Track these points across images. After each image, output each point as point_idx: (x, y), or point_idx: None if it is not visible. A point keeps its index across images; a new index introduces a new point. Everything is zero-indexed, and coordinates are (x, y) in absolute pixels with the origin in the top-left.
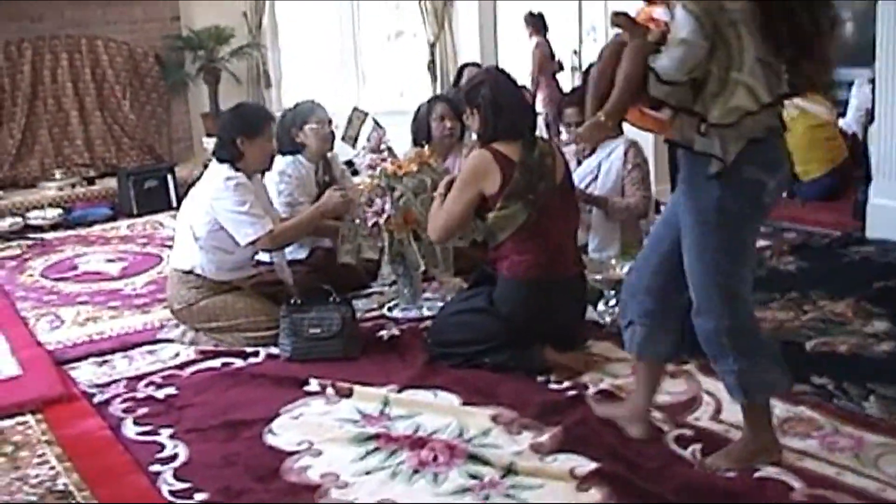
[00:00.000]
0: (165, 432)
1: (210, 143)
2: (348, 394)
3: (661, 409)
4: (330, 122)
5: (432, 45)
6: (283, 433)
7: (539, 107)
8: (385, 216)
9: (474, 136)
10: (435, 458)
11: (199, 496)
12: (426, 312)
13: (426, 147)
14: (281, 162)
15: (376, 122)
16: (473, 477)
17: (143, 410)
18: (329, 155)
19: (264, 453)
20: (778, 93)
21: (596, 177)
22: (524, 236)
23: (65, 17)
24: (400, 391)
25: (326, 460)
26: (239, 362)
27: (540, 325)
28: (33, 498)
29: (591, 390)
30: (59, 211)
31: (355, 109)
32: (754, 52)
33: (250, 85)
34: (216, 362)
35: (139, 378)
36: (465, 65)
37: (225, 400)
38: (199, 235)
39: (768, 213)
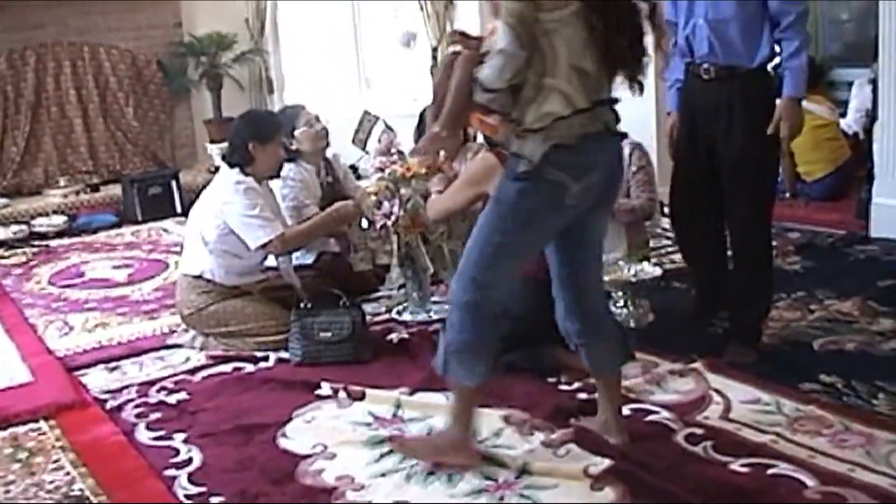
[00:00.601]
0: (179, 437)
1: (214, 150)
2: (360, 397)
3: (670, 408)
4: (318, 118)
5: (434, 49)
6: (296, 437)
7: None
8: (394, 218)
9: (480, 139)
10: None
11: (214, 500)
12: (434, 316)
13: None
14: (283, 168)
15: (387, 126)
16: (488, 478)
17: (155, 416)
18: (331, 155)
19: (278, 457)
20: (596, 98)
21: None
22: None
23: (68, 24)
24: (411, 394)
25: (341, 463)
26: (249, 367)
27: (549, 325)
28: (49, 503)
29: None
30: (64, 218)
31: (366, 113)
32: (568, 59)
33: (253, 91)
34: (227, 367)
35: (150, 384)
36: None
37: (237, 404)
38: (208, 240)
39: (573, 215)
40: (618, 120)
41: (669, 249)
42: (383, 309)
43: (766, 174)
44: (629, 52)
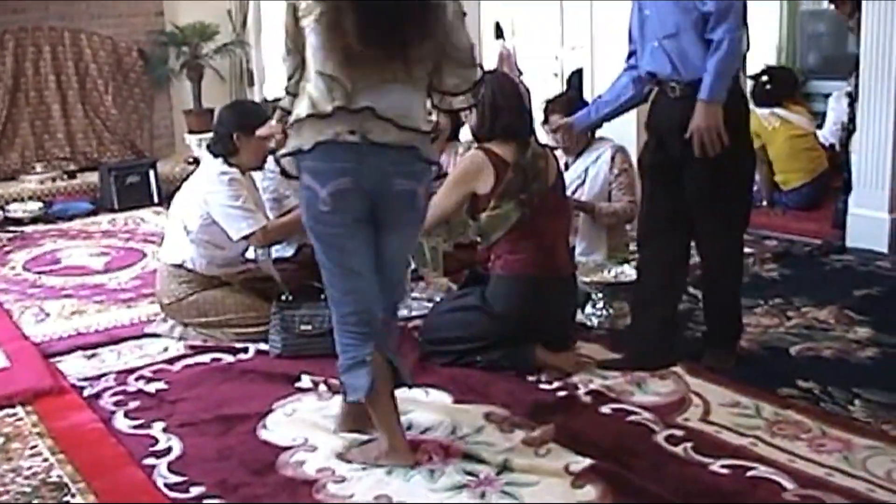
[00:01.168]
0: (158, 426)
1: (192, 140)
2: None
3: (650, 409)
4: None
5: None
6: (276, 429)
7: None
8: None
9: (468, 136)
10: (430, 459)
11: (195, 489)
12: (414, 312)
13: None
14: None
15: None
16: (469, 474)
17: (134, 404)
18: None
19: (259, 447)
20: (346, 105)
21: (583, 181)
22: (517, 236)
23: (49, 9)
24: None
25: (322, 455)
26: (229, 358)
27: (532, 324)
28: (27, 489)
29: (582, 390)
30: (40, 204)
31: None
32: (314, 65)
33: (233, 82)
34: (206, 358)
35: (129, 372)
36: None
37: (217, 395)
38: (190, 229)
39: (342, 222)
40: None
41: None
42: None
43: (739, 192)
44: (394, 60)
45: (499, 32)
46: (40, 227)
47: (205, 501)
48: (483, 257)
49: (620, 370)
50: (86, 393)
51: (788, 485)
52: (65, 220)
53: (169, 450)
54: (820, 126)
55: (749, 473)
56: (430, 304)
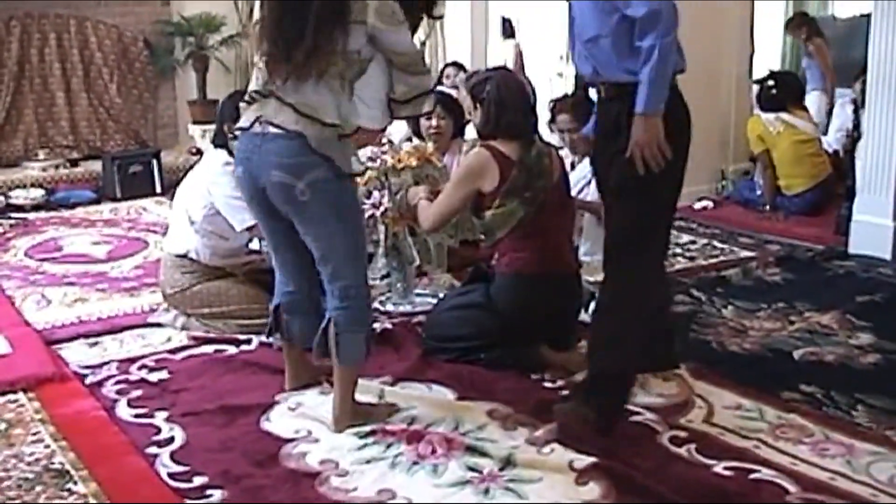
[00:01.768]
0: (160, 415)
1: (196, 131)
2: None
3: (654, 410)
4: None
5: (423, 44)
6: (279, 420)
7: None
8: (382, 209)
9: (473, 134)
10: (433, 451)
11: (197, 479)
12: (418, 308)
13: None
14: None
15: None
16: (472, 469)
17: (136, 393)
18: None
19: (262, 438)
20: (261, 90)
21: (589, 182)
22: (522, 234)
23: None
24: (394, 384)
25: (325, 447)
26: (231, 349)
27: (536, 323)
28: (30, 475)
29: None
30: (42, 192)
31: None
32: (257, 48)
33: (238, 74)
34: (208, 348)
35: (131, 361)
36: (448, 65)
37: (219, 386)
38: (194, 220)
39: (251, 206)
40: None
41: None
42: None
43: (650, 209)
44: (292, 59)
45: (510, 31)
46: (42, 214)
47: (207, 492)
48: (487, 255)
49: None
50: (88, 381)
51: (791, 488)
52: (67, 207)
53: (171, 439)
54: (824, 132)
55: (752, 476)
56: (434, 301)
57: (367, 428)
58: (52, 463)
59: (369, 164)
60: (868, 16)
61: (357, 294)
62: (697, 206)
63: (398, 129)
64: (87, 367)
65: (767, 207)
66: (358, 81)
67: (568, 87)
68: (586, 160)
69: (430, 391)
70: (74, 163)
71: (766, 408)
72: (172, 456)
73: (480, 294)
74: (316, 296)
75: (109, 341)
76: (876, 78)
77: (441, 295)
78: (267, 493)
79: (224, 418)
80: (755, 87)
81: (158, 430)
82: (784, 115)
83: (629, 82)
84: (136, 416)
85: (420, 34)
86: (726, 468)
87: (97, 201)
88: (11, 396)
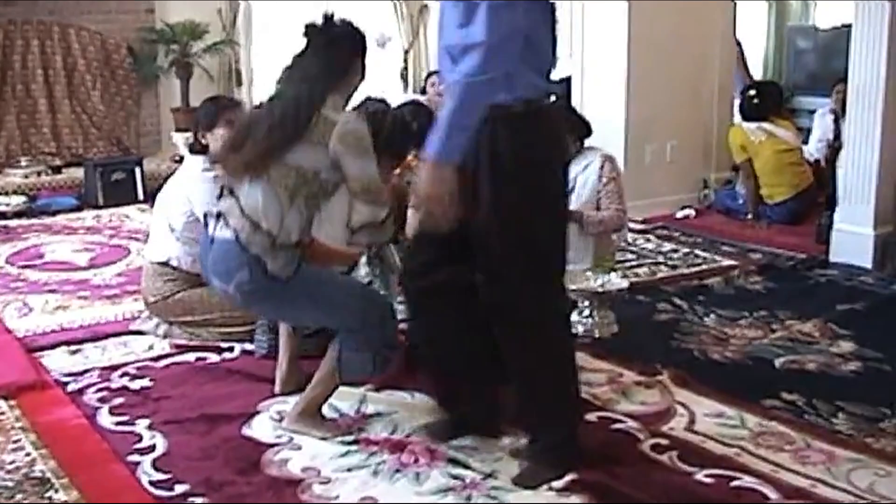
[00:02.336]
0: (142, 423)
1: (179, 138)
2: None
3: (635, 418)
4: None
5: (406, 52)
6: (261, 428)
7: None
8: None
9: None
10: (416, 461)
11: (179, 487)
12: (399, 316)
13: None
14: None
15: None
16: (455, 478)
17: (118, 400)
18: None
19: (243, 446)
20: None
21: (572, 189)
22: None
23: (38, 3)
24: (377, 390)
25: (307, 455)
26: (214, 357)
27: None
28: (10, 484)
29: None
30: (24, 198)
31: None
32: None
33: (222, 82)
34: (190, 356)
35: (113, 368)
36: (432, 72)
37: (202, 393)
38: (175, 227)
39: None
40: None
41: (633, 263)
42: None
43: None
44: (249, 164)
45: None
46: (24, 221)
47: (189, 500)
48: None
49: None
50: (69, 388)
51: (772, 495)
52: (49, 214)
53: (153, 447)
54: (805, 142)
55: (733, 483)
56: None
57: (351, 437)
58: (33, 471)
59: None
60: (849, 27)
61: (363, 325)
62: (679, 214)
63: None
64: (69, 374)
65: (749, 216)
66: (326, 203)
67: None
68: (570, 168)
69: (413, 398)
70: (57, 170)
71: (748, 415)
72: (154, 464)
73: None
74: None
75: (91, 349)
76: (856, 88)
77: None
78: (249, 500)
79: (206, 426)
80: (738, 97)
81: (140, 438)
82: (766, 125)
83: (500, 104)
84: (118, 423)
85: (404, 42)
86: (707, 476)
87: (79, 208)
88: None
